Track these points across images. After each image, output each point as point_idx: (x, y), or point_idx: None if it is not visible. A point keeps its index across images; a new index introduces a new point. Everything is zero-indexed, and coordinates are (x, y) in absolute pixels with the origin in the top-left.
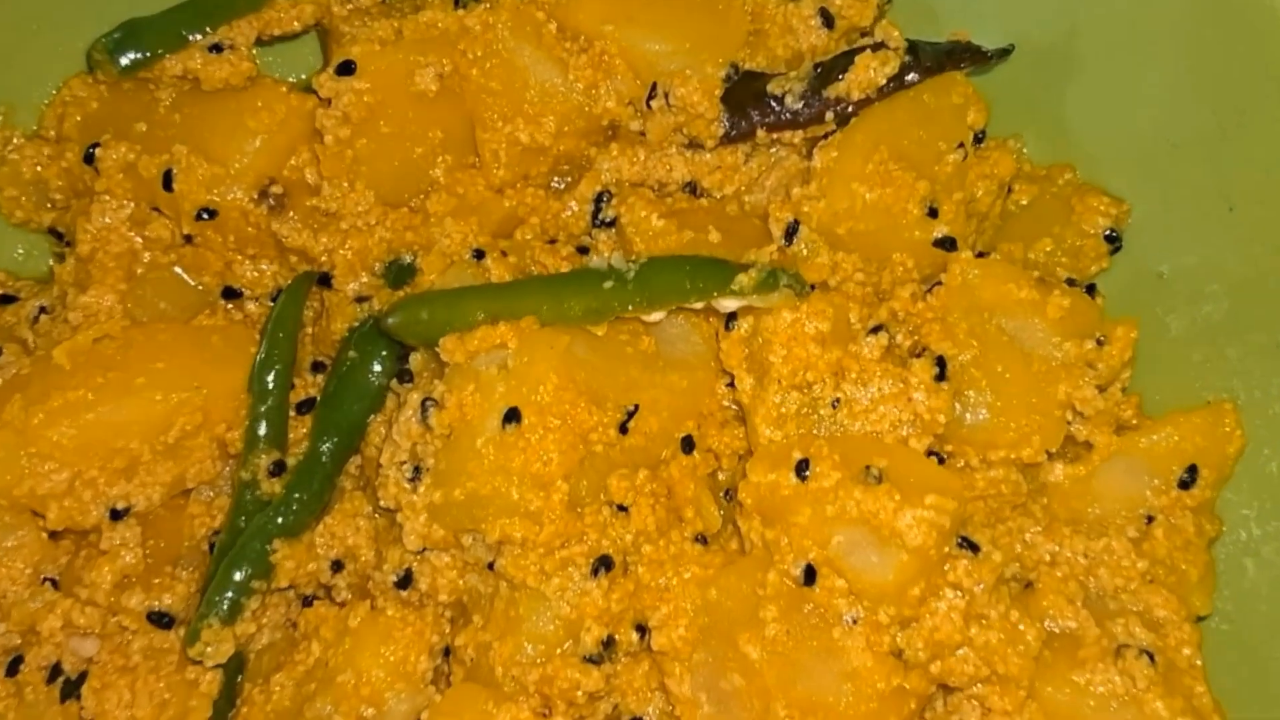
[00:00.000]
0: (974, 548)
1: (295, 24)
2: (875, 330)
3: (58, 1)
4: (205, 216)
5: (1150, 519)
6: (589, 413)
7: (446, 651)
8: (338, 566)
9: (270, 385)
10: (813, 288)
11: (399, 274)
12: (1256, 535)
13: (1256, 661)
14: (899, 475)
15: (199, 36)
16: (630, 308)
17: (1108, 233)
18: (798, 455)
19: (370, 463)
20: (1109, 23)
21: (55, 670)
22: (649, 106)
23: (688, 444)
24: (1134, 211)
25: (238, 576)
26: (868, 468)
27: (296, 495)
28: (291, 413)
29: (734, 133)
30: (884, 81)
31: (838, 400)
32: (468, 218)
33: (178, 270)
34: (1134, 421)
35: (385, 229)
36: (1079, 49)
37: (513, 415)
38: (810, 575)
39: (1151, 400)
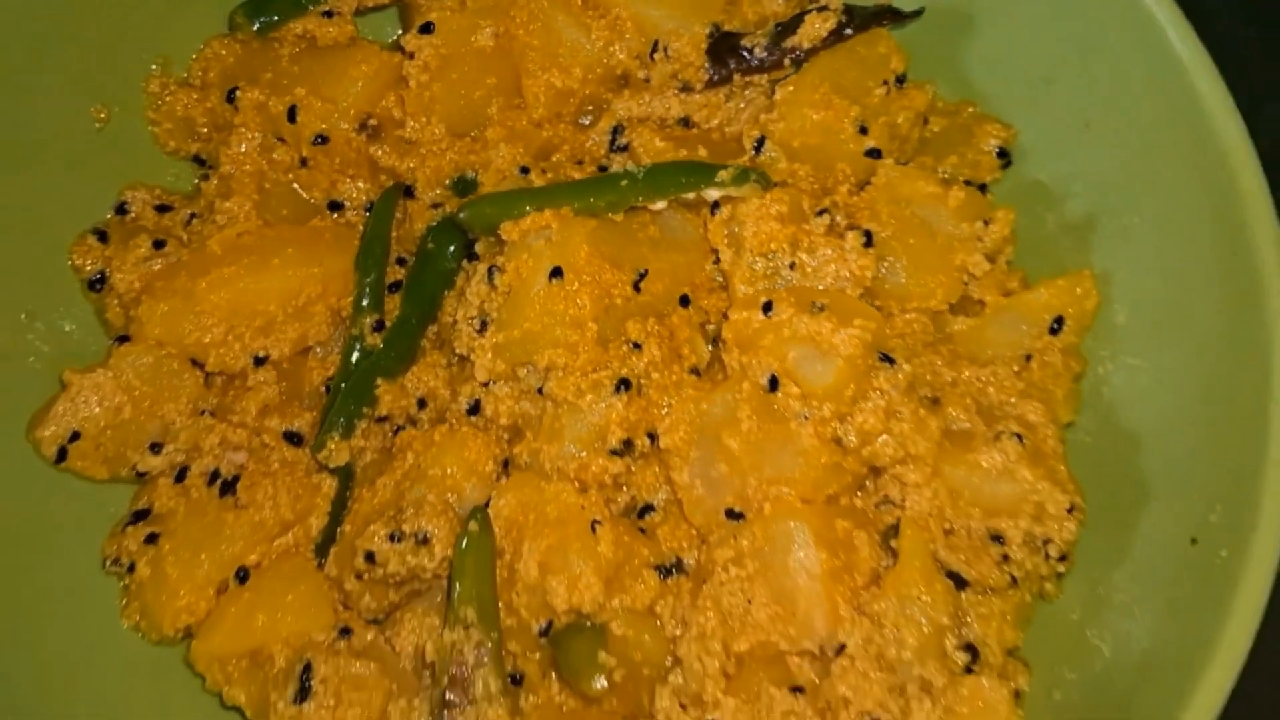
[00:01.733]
0: (891, 361)
1: None
2: (821, 213)
3: None
4: (319, 142)
5: (1029, 357)
6: (611, 274)
7: (506, 464)
8: (422, 404)
9: (371, 264)
10: (774, 184)
11: (464, 187)
12: (1110, 369)
13: (1110, 463)
14: (836, 308)
15: (315, 5)
16: (640, 199)
17: (999, 150)
18: (764, 299)
19: (445, 328)
20: None
21: (214, 476)
22: (652, 59)
23: (684, 300)
24: (1020, 134)
25: (351, 403)
26: (813, 303)
27: (392, 346)
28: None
29: (716, 78)
30: (826, 35)
31: (793, 263)
32: (515, 144)
33: (295, 186)
34: (1018, 289)
35: (454, 153)
36: (973, 10)
37: (556, 273)
38: (774, 384)
39: (1033, 277)
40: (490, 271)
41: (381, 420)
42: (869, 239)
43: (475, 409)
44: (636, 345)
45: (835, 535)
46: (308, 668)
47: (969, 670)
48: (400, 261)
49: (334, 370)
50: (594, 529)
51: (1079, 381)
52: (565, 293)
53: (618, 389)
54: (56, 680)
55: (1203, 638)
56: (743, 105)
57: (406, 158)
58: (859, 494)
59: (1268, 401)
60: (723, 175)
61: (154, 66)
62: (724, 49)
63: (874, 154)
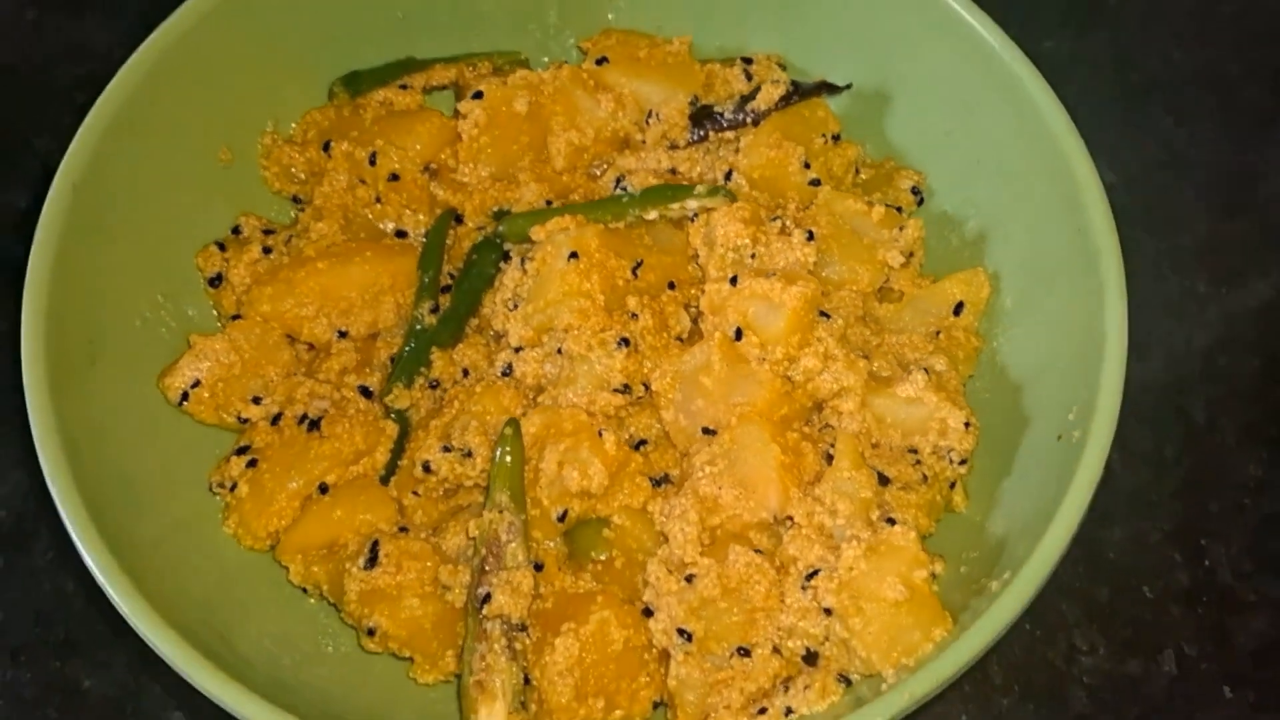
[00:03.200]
0: (827, 316)
1: (444, 80)
2: (775, 218)
3: (308, 60)
4: (392, 179)
5: (938, 332)
6: (615, 261)
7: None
8: (465, 373)
9: (429, 264)
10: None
11: (501, 216)
12: (1001, 341)
13: (1002, 408)
14: (784, 275)
15: (394, 81)
16: (636, 210)
17: (913, 189)
18: (731, 275)
19: (485, 319)
20: (903, 73)
21: (303, 417)
22: (647, 124)
23: (671, 285)
24: (928, 176)
25: (412, 362)
26: (768, 273)
27: (445, 325)
28: None
29: (696, 137)
30: (777, 100)
31: (754, 254)
32: (542, 186)
33: (370, 217)
34: (928, 285)
35: (494, 191)
36: (889, 89)
37: (573, 255)
38: (739, 335)
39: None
40: (522, 260)
41: (434, 386)
42: (811, 236)
43: (508, 371)
44: (634, 315)
45: (787, 441)
46: (375, 544)
47: None
48: (451, 276)
49: (398, 349)
50: (600, 434)
51: (977, 353)
52: (579, 270)
53: (619, 345)
54: (168, 577)
55: (1059, 491)
56: (718, 158)
57: (458, 194)
58: (806, 425)
59: (1103, 326)
60: (699, 190)
61: (268, 126)
62: (702, 115)
63: (815, 183)
